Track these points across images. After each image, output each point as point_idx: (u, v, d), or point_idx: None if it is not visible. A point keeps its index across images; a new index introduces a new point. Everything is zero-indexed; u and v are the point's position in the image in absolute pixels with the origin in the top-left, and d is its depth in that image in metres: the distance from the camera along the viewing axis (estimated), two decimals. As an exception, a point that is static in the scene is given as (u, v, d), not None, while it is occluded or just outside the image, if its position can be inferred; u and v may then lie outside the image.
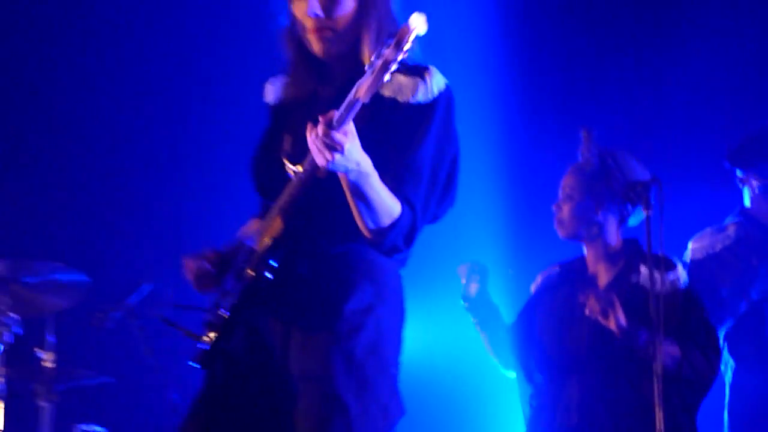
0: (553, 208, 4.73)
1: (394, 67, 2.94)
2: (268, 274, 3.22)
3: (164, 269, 5.61)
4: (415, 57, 3.19)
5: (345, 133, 2.96)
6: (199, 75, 6.94)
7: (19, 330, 5.39)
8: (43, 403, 5.44)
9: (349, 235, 3.23)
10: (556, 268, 4.85)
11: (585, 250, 4.75)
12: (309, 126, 3.00)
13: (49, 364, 5.47)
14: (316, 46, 3.27)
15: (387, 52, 2.92)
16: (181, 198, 6.95)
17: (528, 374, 4.86)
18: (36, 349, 5.50)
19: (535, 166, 6.50)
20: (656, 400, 4.18)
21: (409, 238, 3.24)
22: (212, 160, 6.77)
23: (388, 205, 3.16)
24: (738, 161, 5.18)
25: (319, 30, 3.27)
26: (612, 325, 4.31)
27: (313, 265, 3.28)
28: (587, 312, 4.42)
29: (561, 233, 4.71)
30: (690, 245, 5.15)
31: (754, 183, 5.11)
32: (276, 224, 3.25)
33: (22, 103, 7.04)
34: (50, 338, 5.53)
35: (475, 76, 6.82)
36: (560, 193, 4.72)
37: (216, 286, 3.35)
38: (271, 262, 3.25)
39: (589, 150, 4.72)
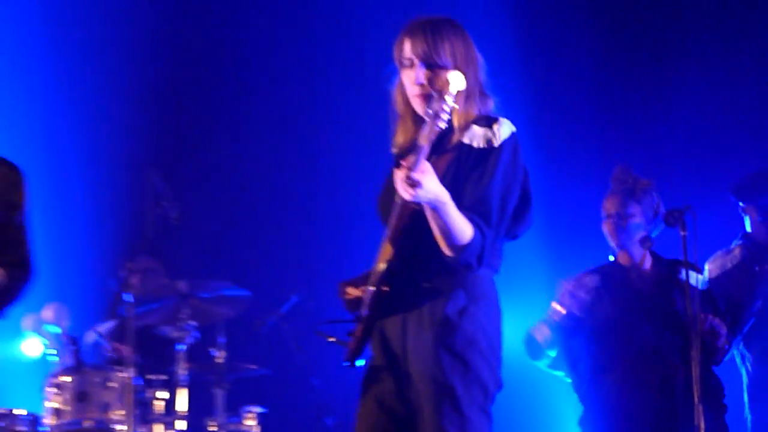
0: (607, 223, 5.31)
1: (444, 116, 3.41)
2: (384, 288, 3.61)
3: (307, 285, 6.87)
4: (490, 111, 3.69)
5: (422, 172, 3.32)
6: (350, 134, 7.47)
7: (197, 334, 6.20)
8: (216, 390, 6.21)
9: (439, 257, 3.59)
10: (596, 275, 5.32)
11: (620, 257, 5.34)
12: (395, 170, 3.44)
13: (220, 360, 6.24)
14: (419, 107, 3.63)
15: (435, 105, 3.38)
16: (322, 230, 7.73)
17: (580, 371, 5.36)
18: (210, 349, 6.29)
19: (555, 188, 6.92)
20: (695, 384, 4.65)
21: (481, 257, 3.54)
22: (351, 201, 7.11)
23: (462, 229, 3.46)
24: (740, 195, 5.78)
25: (423, 95, 3.63)
26: (715, 335, 5.01)
27: (419, 279, 3.63)
28: (704, 328, 5.02)
29: (614, 243, 5.30)
30: (707, 266, 5.69)
31: (754, 213, 5.71)
32: (387, 249, 3.60)
33: (200, 150, 7.83)
34: (221, 340, 6.30)
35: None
36: (610, 211, 5.32)
37: (360, 304, 3.77)
38: (384, 280, 3.61)
39: (626, 179, 5.37)
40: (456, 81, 3.46)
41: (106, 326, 6.51)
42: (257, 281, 6.74)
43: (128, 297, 5.88)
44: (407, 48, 3.67)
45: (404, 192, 3.37)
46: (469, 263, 3.53)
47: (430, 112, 3.43)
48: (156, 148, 7.41)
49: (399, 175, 3.38)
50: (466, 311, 3.59)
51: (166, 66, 7.85)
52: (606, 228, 5.44)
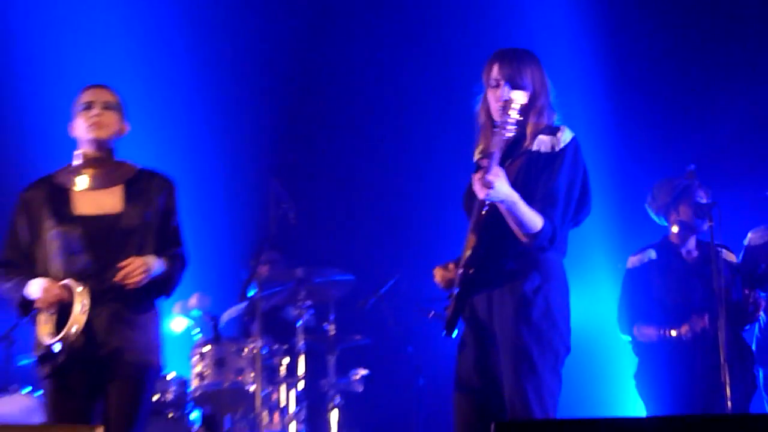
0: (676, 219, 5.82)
1: (510, 127, 3.86)
2: (470, 271, 3.99)
3: (401, 271, 7.23)
4: (554, 121, 4.10)
5: (495, 176, 3.75)
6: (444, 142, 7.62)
7: (312, 311, 6.78)
8: (328, 357, 6.80)
9: (516, 241, 3.97)
10: (652, 250, 5.93)
11: (673, 238, 5.94)
12: (473, 174, 3.87)
13: (331, 332, 6.81)
14: (501, 120, 3.97)
15: (502, 118, 3.84)
16: (413, 224, 8.17)
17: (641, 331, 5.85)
18: (323, 323, 6.86)
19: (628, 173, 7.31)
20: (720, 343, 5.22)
21: (552, 240, 3.95)
22: (439, 199, 7.29)
23: (533, 220, 3.88)
24: None
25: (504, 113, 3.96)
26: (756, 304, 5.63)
27: (501, 262, 4.02)
28: (752, 301, 5.66)
29: (675, 229, 5.89)
30: (749, 234, 6.18)
31: None
32: (472, 238, 4.01)
33: (313, 159, 8.09)
34: (331, 316, 6.86)
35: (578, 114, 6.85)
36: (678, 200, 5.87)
37: (453, 284, 4.09)
38: (470, 264, 4.00)
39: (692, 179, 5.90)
40: (519, 98, 3.90)
41: (239, 307, 6.88)
42: (360, 268, 7.15)
43: (256, 284, 6.38)
44: (495, 70, 4.06)
45: (479, 192, 3.81)
46: (542, 246, 3.92)
47: (499, 123, 3.86)
48: (277, 161, 7.64)
49: (476, 178, 3.82)
50: (540, 289, 3.98)
51: (284, 90, 8.18)
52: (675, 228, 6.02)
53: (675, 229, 5.87)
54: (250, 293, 6.53)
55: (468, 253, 4.00)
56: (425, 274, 5.41)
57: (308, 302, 6.83)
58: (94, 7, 8.04)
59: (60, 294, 4.42)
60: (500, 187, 3.75)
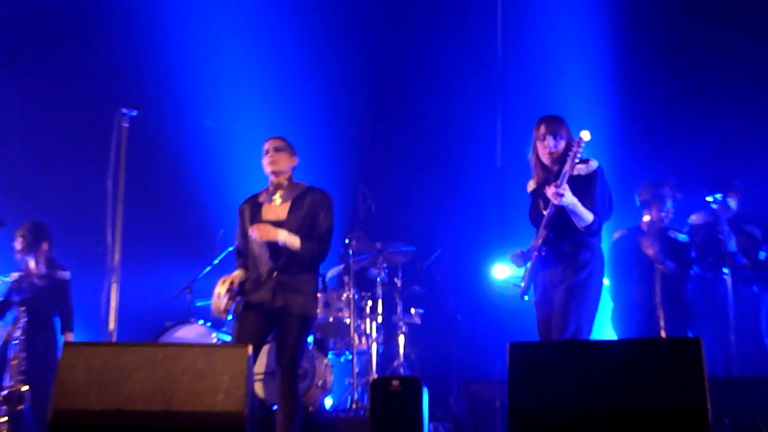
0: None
1: (576, 159, 4.57)
2: (542, 253, 4.74)
3: (445, 244, 8.12)
4: (584, 154, 4.69)
5: (564, 188, 4.50)
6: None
7: (386, 270, 7.68)
8: (397, 300, 7.73)
9: (577, 231, 4.69)
10: (626, 229, 6.62)
11: (643, 225, 6.53)
12: (547, 187, 4.60)
13: (399, 285, 7.83)
14: (547, 160, 4.83)
15: (574, 149, 4.57)
16: (454, 212, 8.65)
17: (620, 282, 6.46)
18: (394, 278, 7.82)
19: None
20: (657, 299, 6.21)
21: (599, 229, 4.68)
22: (472, 201, 8.37)
23: (587, 215, 4.60)
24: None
25: (550, 155, 4.80)
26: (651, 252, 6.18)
27: (563, 245, 4.76)
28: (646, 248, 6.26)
29: (646, 219, 6.45)
30: (692, 216, 6.72)
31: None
32: (542, 232, 4.78)
33: (390, 162, 8.68)
34: (399, 274, 7.87)
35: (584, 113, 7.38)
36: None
37: (524, 262, 4.81)
38: (542, 248, 4.77)
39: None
40: (585, 137, 4.54)
41: (338, 268, 7.67)
42: (418, 242, 7.91)
43: (350, 253, 7.25)
44: (543, 128, 4.88)
45: (554, 199, 4.57)
46: (594, 231, 4.71)
47: (570, 154, 4.56)
48: (363, 168, 8.48)
49: (550, 191, 4.58)
50: (588, 262, 4.78)
51: (364, 107, 8.73)
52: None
53: (646, 219, 6.70)
54: (347, 259, 7.35)
55: (539, 241, 4.82)
56: (460, 248, 7.33)
57: (384, 265, 7.62)
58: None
59: (231, 278, 5.30)
60: (567, 196, 4.56)
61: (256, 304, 5.18)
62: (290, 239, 5.13)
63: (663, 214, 6.60)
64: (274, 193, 5.38)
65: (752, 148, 7.73)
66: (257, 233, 5.16)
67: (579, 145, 4.54)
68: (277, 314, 5.16)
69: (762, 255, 6.90)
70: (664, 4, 8.10)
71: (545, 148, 4.83)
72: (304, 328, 5.17)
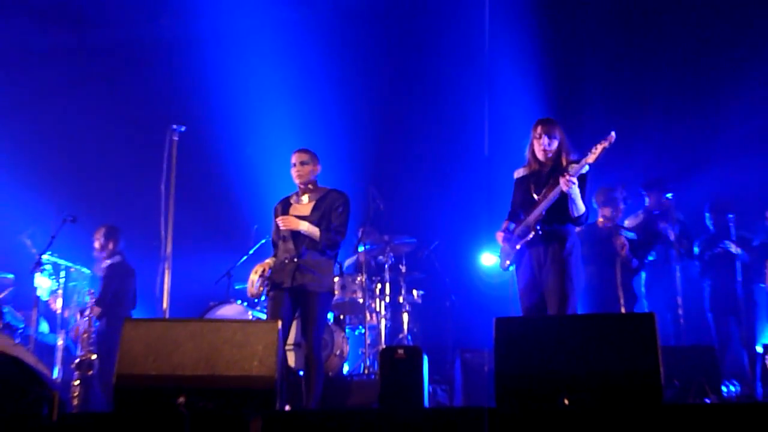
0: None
1: (599, 151, 4.52)
2: (539, 231, 4.73)
3: (440, 236, 7.96)
4: (572, 156, 4.72)
5: (574, 179, 4.57)
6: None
7: (393, 258, 7.41)
8: (401, 283, 7.47)
9: (567, 217, 4.72)
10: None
11: (599, 223, 6.45)
12: (560, 177, 4.57)
13: (403, 270, 7.60)
14: (542, 156, 4.79)
15: (600, 144, 4.54)
16: (448, 209, 8.43)
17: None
18: (399, 265, 7.51)
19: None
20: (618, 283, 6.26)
21: (586, 221, 4.78)
22: (465, 198, 8.22)
23: (582, 206, 4.67)
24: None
25: (545, 151, 4.80)
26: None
27: (553, 228, 4.73)
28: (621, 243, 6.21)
29: (600, 219, 6.38)
30: (627, 220, 6.74)
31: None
32: (539, 213, 4.76)
33: (397, 167, 8.46)
34: (404, 261, 7.63)
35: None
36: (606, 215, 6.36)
37: (511, 240, 4.78)
38: (537, 226, 4.76)
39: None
40: (611, 138, 4.50)
41: (353, 258, 7.66)
42: (419, 234, 7.88)
43: (362, 244, 7.21)
44: (540, 129, 4.86)
45: (564, 185, 4.60)
46: (582, 222, 4.80)
47: (599, 147, 4.53)
48: (372, 169, 8.30)
49: (563, 179, 4.58)
50: (573, 247, 4.85)
51: (373, 120, 8.56)
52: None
53: (600, 219, 6.72)
54: (360, 249, 7.30)
55: (534, 220, 4.83)
56: (453, 238, 7.20)
57: (391, 254, 7.54)
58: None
59: (264, 265, 5.37)
60: (574, 186, 4.68)
61: (281, 285, 5.27)
62: (311, 229, 5.29)
63: (615, 214, 6.64)
64: (301, 195, 5.57)
65: (695, 155, 7.74)
66: (283, 223, 5.33)
67: (609, 142, 4.51)
68: (297, 293, 5.26)
69: (696, 250, 6.96)
70: (613, 10, 8.06)
71: (541, 146, 4.82)
72: (323, 305, 5.25)
